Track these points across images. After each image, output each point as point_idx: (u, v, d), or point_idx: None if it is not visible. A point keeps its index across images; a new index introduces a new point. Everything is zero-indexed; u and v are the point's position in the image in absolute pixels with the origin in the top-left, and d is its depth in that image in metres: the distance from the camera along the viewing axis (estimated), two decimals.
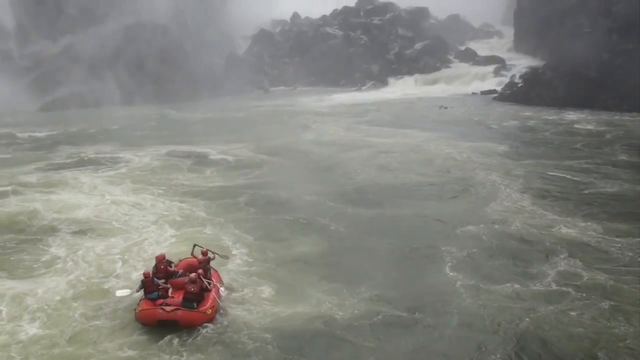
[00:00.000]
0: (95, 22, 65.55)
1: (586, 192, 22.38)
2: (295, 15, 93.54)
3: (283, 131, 40.84)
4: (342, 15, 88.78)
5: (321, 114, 50.87)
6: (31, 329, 12.87)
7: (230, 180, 26.31)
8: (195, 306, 12.76)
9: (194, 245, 15.42)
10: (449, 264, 15.81)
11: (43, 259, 16.80)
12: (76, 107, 56.35)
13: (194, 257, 15.02)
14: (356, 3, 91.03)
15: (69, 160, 31.27)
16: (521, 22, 75.51)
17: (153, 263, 14.32)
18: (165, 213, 20.99)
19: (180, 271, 14.29)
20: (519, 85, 55.98)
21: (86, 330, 12.79)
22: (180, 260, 15.10)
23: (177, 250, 16.69)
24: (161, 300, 12.98)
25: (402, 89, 70.96)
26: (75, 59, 62.82)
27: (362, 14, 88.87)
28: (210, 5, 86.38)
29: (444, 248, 16.90)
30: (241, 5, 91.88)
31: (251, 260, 16.47)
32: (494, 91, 59.98)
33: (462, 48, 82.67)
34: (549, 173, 25.60)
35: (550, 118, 43.02)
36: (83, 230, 19.34)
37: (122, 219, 20.39)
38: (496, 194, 22.25)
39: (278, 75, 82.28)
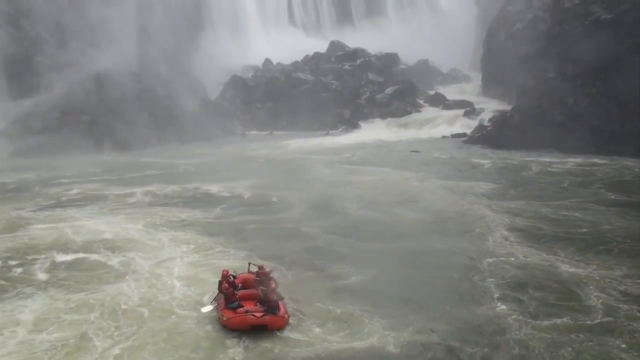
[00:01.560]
0: (65, 69, 65.47)
1: (592, 229, 23.40)
2: (267, 61, 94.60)
3: (272, 171, 42.82)
4: (314, 61, 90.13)
5: (301, 155, 52.17)
6: (110, 340, 14.67)
7: (237, 213, 28.31)
8: (277, 312, 15.03)
9: (249, 263, 18.02)
10: (491, 296, 16.61)
11: (98, 273, 19.76)
12: (48, 154, 55.56)
13: (250, 272, 17.42)
14: (327, 49, 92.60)
15: (64, 199, 33.11)
16: (488, 67, 77.57)
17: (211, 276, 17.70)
18: (183, 240, 23.34)
19: (240, 284, 16.54)
20: (488, 128, 57.14)
21: (172, 339, 14.69)
22: (238, 275, 17.25)
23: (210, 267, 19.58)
24: (242, 309, 15.21)
25: (374, 132, 71.71)
26: (45, 105, 62.38)
27: (333, 59, 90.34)
28: (183, 52, 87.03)
29: (475, 278, 18.05)
30: (213, 52, 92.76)
31: (294, 290, 17.19)
32: (463, 134, 61.10)
33: (432, 92, 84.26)
34: (542, 210, 26.76)
35: (525, 159, 44.09)
36: (116, 247, 22.42)
37: (146, 240, 23.38)
38: (495, 231, 23.50)
39: (250, 120, 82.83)
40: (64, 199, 33.31)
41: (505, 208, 27.23)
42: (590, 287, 16.83)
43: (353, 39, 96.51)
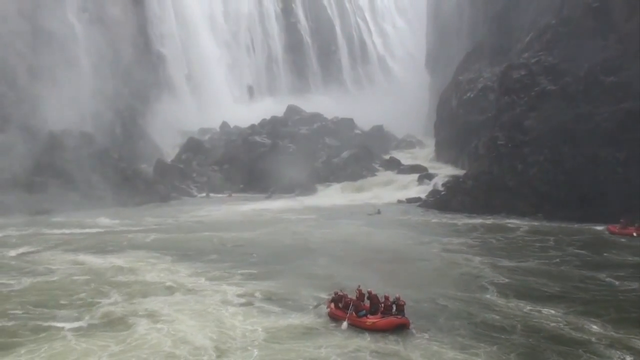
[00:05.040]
0: (17, 128, 64.30)
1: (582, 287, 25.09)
2: (225, 124, 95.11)
3: (245, 228, 45.07)
4: (271, 125, 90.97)
5: (268, 215, 53.99)
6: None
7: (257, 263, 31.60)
8: (405, 315, 20.19)
9: (359, 286, 22.19)
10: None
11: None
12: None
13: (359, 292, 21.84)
14: (284, 113, 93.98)
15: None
16: (441, 133, 79.77)
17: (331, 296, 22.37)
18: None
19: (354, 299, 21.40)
20: (442, 193, 58.22)
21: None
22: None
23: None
24: (375, 315, 20.26)
25: (330, 196, 72.06)
26: None
27: (290, 123, 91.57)
28: (139, 113, 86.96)
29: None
30: (170, 114, 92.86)
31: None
32: (418, 199, 61.91)
33: (387, 157, 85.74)
34: (524, 266, 29.15)
35: (482, 222, 45.74)
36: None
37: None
38: (495, 282, 26.04)
39: (207, 182, 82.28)
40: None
41: (488, 263, 29.91)
42: None
43: (310, 104, 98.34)
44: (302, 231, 43.52)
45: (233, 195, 77.06)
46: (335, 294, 21.85)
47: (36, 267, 31.42)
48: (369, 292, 21.35)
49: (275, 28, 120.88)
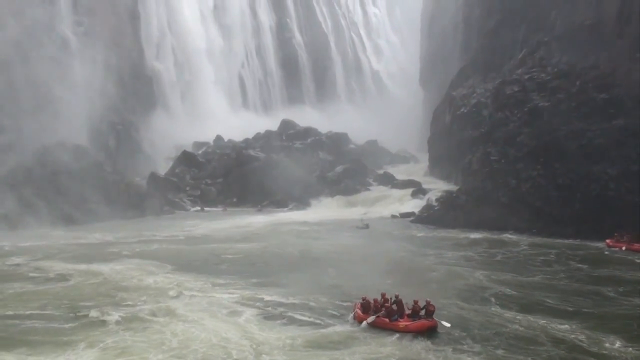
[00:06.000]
0: (10, 141, 64.04)
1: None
2: (219, 138, 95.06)
3: (244, 241, 45.91)
4: (265, 139, 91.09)
5: (264, 229, 54.59)
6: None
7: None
8: (433, 318, 21.49)
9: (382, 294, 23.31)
10: None
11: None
12: None
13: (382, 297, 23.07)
14: (278, 127, 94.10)
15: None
16: (435, 148, 79.94)
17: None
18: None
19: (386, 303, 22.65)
20: (436, 208, 58.27)
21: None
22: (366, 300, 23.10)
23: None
24: (402, 321, 21.39)
25: (324, 210, 72.04)
26: None
27: (284, 137, 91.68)
28: (133, 126, 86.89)
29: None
30: (164, 127, 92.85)
31: None
32: (412, 213, 61.86)
33: (381, 172, 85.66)
34: (521, 279, 29.62)
35: (476, 237, 45.94)
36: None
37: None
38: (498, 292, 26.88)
39: (200, 196, 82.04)
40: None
41: (492, 276, 30.36)
42: None
43: (304, 118, 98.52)
44: (301, 243, 44.21)
45: (227, 209, 76.85)
46: (364, 299, 22.91)
47: (46, 273, 32.73)
48: (396, 296, 22.46)
49: (270, 42, 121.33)
